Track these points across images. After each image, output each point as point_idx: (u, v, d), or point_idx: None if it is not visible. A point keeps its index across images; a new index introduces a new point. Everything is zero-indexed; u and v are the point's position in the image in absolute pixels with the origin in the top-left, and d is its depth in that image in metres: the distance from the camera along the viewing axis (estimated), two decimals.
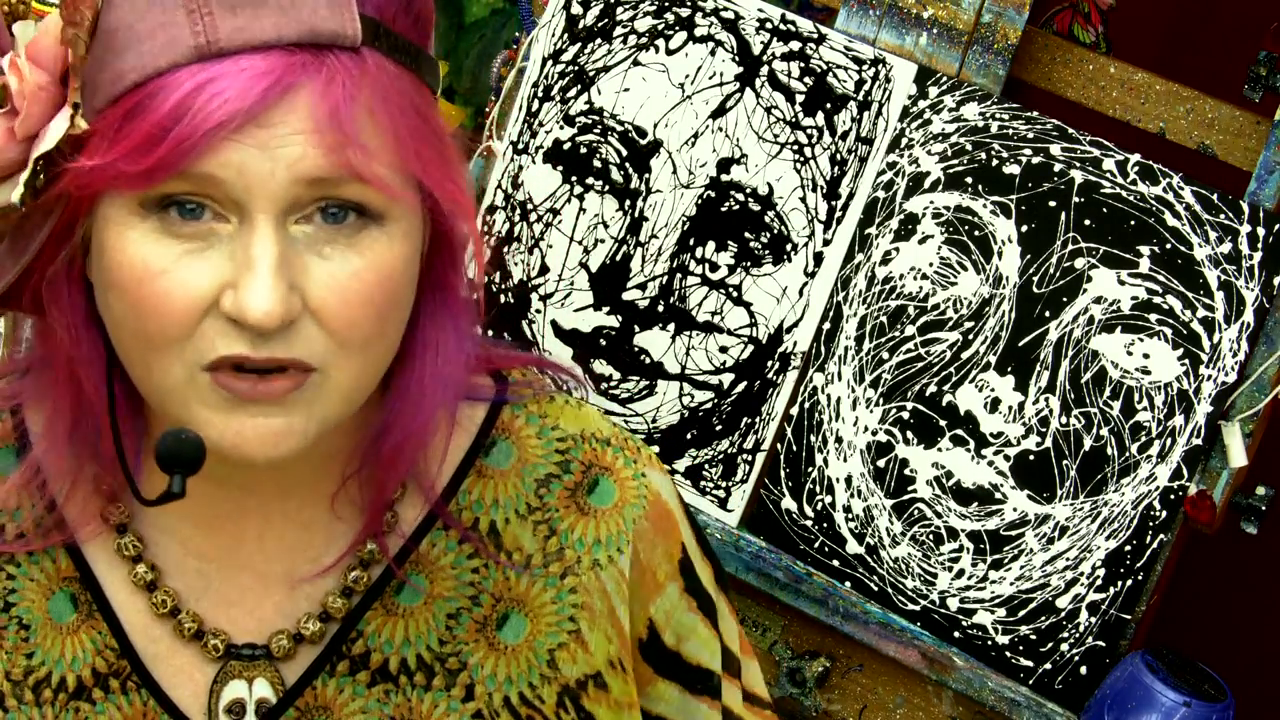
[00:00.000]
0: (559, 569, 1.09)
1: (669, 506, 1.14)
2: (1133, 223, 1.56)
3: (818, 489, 1.65)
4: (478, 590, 1.08)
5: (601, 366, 1.71)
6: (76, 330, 0.99)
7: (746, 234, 1.67)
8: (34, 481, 1.04)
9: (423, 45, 0.98)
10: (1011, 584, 1.59)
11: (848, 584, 1.64)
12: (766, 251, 1.67)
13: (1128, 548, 1.56)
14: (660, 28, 1.69)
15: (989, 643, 1.60)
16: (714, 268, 1.68)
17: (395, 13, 0.95)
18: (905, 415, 1.62)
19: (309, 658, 1.06)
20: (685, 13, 1.68)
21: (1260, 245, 1.53)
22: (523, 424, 1.12)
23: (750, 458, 1.68)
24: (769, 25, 1.67)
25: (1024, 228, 1.59)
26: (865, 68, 1.64)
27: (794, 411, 1.66)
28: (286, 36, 0.90)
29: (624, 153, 1.70)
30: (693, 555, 1.16)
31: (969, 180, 1.61)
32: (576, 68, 1.72)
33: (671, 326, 1.69)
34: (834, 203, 1.65)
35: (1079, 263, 1.57)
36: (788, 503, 1.66)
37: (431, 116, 0.97)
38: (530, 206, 1.73)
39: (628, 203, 1.70)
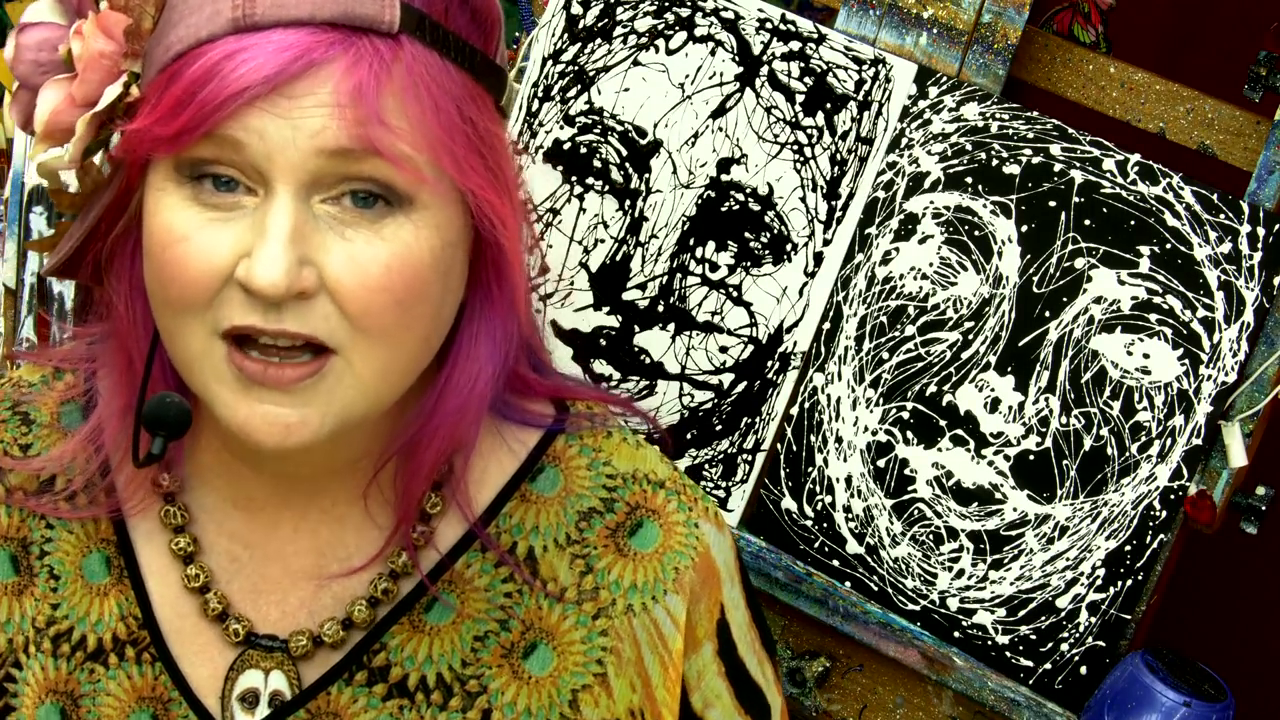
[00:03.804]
0: (592, 608, 1.08)
1: (716, 563, 1.12)
2: (1133, 223, 1.56)
3: (818, 489, 1.65)
4: (508, 615, 1.07)
5: (601, 366, 1.71)
6: (130, 298, 1.02)
7: (746, 234, 1.67)
8: (94, 443, 1.07)
9: (483, 48, 0.97)
10: (1011, 584, 1.59)
11: (848, 584, 1.64)
12: (766, 251, 1.67)
13: (1128, 548, 1.56)
14: (660, 28, 1.69)
15: (989, 643, 1.60)
16: (714, 268, 1.68)
17: (447, 7, 0.95)
18: (905, 415, 1.62)
19: (328, 661, 1.06)
20: (685, 13, 1.68)
21: (1260, 245, 1.53)
22: (575, 454, 1.11)
23: (750, 458, 1.68)
24: (769, 25, 1.67)
25: (1024, 228, 1.59)
26: (865, 68, 1.64)
27: (794, 411, 1.66)
28: (320, 15, 0.91)
29: (624, 153, 1.70)
30: (731, 619, 1.14)
31: (969, 180, 1.61)
32: (576, 68, 1.72)
33: (671, 326, 1.69)
34: (834, 203, 1.65)
35: (1079, 263, 1.57)
36: (788, 503, 1.66)
37: (478, 119, 0.96)
38: (530, 206, 1.73)
39: (628, 203, 1.70)
